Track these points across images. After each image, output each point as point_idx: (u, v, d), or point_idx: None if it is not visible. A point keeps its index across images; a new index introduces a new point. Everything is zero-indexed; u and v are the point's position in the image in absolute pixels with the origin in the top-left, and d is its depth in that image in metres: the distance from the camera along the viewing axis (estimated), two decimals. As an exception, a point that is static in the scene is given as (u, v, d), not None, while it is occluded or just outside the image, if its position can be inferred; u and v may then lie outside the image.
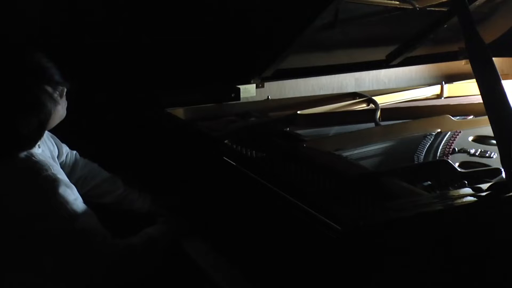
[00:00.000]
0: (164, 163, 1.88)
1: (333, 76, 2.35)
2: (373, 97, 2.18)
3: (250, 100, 2.15)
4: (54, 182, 1.41)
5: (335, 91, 2.35)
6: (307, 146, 1.67)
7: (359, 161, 1.68)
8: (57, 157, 1.68)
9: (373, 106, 2.14)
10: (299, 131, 1.87)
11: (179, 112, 2.01)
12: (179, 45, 2.31)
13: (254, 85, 2.16)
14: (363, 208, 1.31)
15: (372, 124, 1.96)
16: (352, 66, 2.37)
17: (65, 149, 1.76)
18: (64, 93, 1.51)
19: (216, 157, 1.59)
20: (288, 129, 1.90)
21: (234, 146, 1.70)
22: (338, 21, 2.00)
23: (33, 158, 1.44)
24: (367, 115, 2.03)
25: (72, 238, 1.40)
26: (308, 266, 1.22)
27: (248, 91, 2.15)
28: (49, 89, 1.44)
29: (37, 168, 1.42)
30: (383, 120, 2.00)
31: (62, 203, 1.40)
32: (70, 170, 1.75)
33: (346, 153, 1.72)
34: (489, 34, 2.44)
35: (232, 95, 2.12)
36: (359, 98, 2.22)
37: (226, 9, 2.33)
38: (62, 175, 1.47)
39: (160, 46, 2.29)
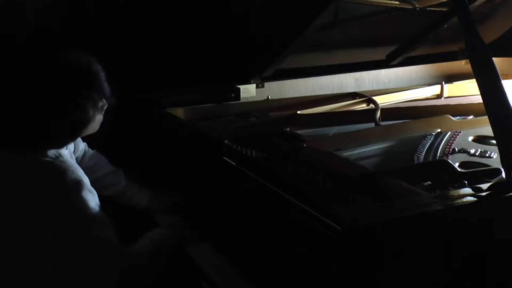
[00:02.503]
0: (164, 163, 1.88)
1: (333, 76, 2.35)
2: (373, 97, 2.18)
3: (250, 100, 2.15)
4: (77, 184, 1.41)
5: (335, 91, 2.35)
6: (307, 146, 1.67)
7: (359, 161, 1.68)
8: (73, 152, 1.70)
9: (373, 106, 2.14)
10: (299, 131, 1.87)
11: (179, 112, 2.01)
12: (179, 45, 2.31)
13: (254, 85, 2.16)
14: (363, 208, 1.31)
15: (372, 124, 1.96)
16: (352, 66, 2.37)
17: (81, 145, 1.78)
18: (104, 109, 1.53)
19: (216, 157, 1.59)
20: (288, 129, 1.90)
21: (234, 146, 1.70)
22: (338, 21, 2.00)
23: (60, 158, 1.45)
24: (367, 115, 2.03)
25: (83, 243, 1.39)
26: (308, 266, 1.22)
27: (248, 91, 2.15)
28: (96, 99, 1.47)
29: (63, 169, 1.42)
30: (383, 120, 1.99)
31: (82, 207, 1.39)
32: (78, 162, 1.75)
33: (346, 153, 1.71)
34: (489, 34, 2.44)
35: (232, 95, 2.12)
36: (359, 98, 2.22)
37: (226, 9, 2.33)
38: (86, 179, 1.47)
39: (160, 46, 2.28)
